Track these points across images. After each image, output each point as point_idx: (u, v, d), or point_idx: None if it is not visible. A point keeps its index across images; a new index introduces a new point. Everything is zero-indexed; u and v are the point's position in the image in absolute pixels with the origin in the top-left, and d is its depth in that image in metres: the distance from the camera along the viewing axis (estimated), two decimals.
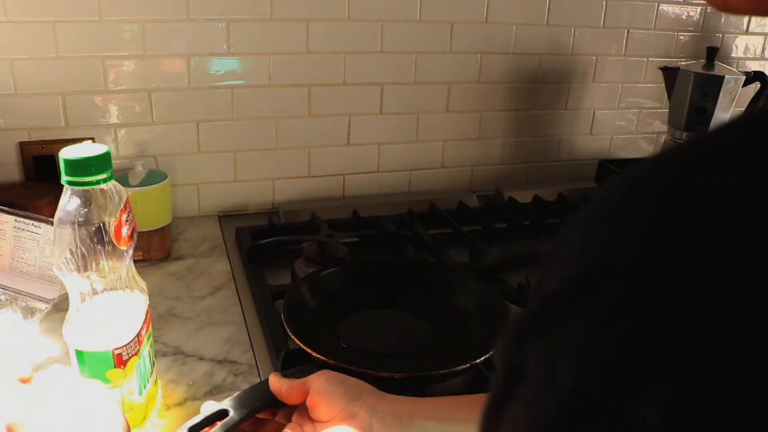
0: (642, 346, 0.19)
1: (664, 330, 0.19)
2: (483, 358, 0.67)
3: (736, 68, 1.26)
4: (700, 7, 1.31)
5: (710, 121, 1.16)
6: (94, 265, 0.54)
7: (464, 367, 0.67)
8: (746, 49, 1.42)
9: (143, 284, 0.62)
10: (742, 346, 0.18)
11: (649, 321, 0.19)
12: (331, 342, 0.75)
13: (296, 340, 0.69)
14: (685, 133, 1.19)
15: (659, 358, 0.19)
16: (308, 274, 0.85)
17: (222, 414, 0.54)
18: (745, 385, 0.18)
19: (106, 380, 0.57)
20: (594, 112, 1.34)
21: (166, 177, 1.02)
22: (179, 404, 0.68)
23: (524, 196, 1.22)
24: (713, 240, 0.19)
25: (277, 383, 0.57)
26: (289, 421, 0.57)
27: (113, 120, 1.03)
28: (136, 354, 0.59)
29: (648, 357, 0.19)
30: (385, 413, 0.53)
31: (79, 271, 0.54)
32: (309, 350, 0.67)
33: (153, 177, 1.01)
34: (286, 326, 0.70)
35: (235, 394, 0.57)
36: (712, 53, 1.17)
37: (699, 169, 0.21)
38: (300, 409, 0.57)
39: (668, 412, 0.19)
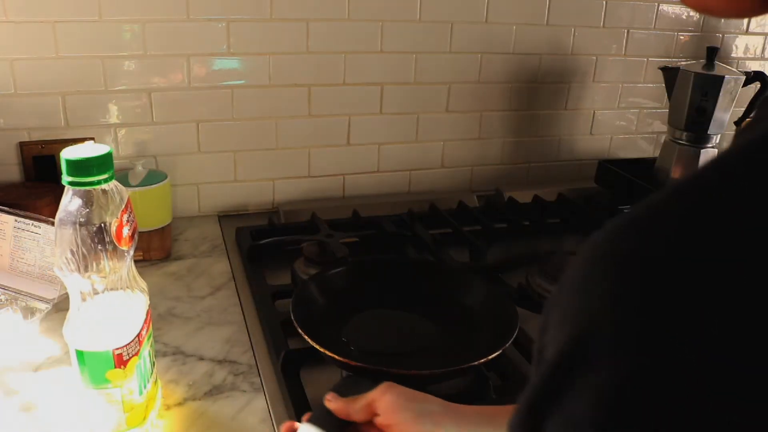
0: (643, 413, 0.20)
1: (664, 395, 0.19)
2: (493, 356, 0.67)
3: (736, 68, 1.26)
4: None
5: (710, 121, 1.16)
6: (94, 265, 0.54)
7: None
8: (746, 49, 1.42)
9: (144, 284, 0.62)
10: (742, 346, 0.18)
11: (646, 387, 0.20)
12: (340, 340, 0.75)
13: (307, 338, 0.68)
14: (685, 133, 1.19)
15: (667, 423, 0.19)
16: (316, 274, 0.84)
17: None
18: (745, 385, 0.18)
19: (106, 380, 0.58)
20: (594, 112, 1.34)
21: (166, 177, 1.02)
22: (179, 404, 0.68)
23: (524, 196, 1.22)
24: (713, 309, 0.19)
25: (341, 408, 0.56)
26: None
27: (113, 120, 1.03)
28: (136, 354, 0.59)
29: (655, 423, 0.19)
30: None
31: (79, 271, 0.54)
32: (319, 347, 0.67)
33: (153, 177, 1.01)
34: (296, 324, 0.70)
35: (310, 416, 0.56)
36: (712, 53, 1.17)
37: (695, 229, 0.21)
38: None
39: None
